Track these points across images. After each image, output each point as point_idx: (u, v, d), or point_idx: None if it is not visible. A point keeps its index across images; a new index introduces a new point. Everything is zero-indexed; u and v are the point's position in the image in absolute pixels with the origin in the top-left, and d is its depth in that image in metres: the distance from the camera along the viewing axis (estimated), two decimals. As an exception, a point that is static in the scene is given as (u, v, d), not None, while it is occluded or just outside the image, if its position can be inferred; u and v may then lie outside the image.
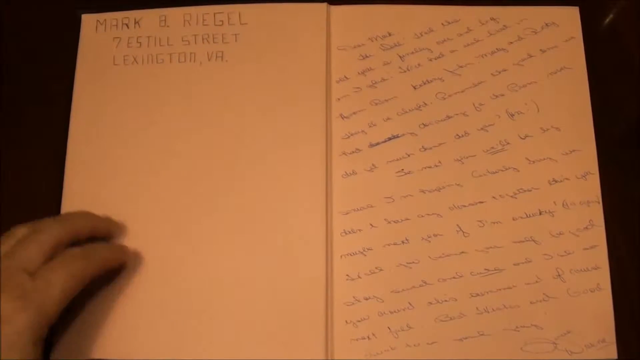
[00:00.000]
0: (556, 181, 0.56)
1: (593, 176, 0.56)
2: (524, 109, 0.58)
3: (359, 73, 0.59)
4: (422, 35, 0.60)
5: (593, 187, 0.56)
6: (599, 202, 0.56)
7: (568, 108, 0.58)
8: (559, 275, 0.54)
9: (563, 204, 0.55)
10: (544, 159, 0.57)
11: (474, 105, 0.58)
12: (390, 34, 0.60)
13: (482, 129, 0.58)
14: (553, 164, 0.56)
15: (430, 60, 0.59)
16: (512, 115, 0.58)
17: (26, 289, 0.45)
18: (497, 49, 0.60)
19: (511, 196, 0.56)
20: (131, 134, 0.58)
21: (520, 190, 0.56)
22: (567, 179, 0.56)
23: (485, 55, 0.59)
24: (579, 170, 0.56)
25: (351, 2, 0.61)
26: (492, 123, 0.58)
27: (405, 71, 0.59)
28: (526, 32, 0.60)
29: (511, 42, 0.60)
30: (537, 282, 0.54)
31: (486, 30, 0.60)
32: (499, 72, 0.59)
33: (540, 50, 0.59)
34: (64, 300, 0.47)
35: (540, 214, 0.55)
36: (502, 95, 0.58)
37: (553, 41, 0.59)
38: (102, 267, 0.51)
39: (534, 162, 0.57)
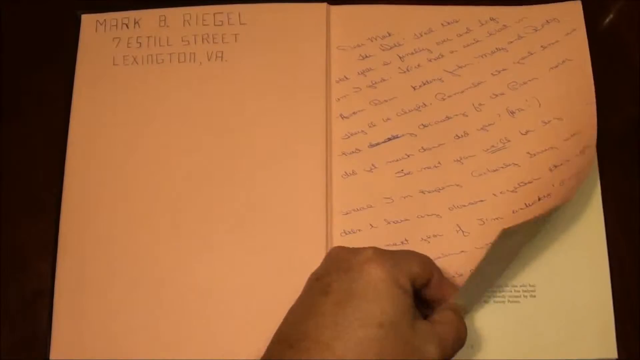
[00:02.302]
0: (556, 166, 0.55)
1: (593, 176, 0.56)
2: (524, 105, 0.58)
3: (358, 73, 0.59)
4: (421, 35, 0.60)
5: (593, 187, 0.56)
6: (599, 202, 0.56)
7: (571, 98, 0.57)
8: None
9: (561, 183, 0.54)
10: (546, 149, 0.56)
11: (473, 105, 0.58)
12: (390, 34, 0.60)
13: (482, 128, 0.57)
14: (554, 151, 0.56)
15: (430, 60, 0.59)
16: (513, 112, 0.57)
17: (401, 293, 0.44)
18: (496, 48, 0.59)
19: (511, 191, 0.56)
20: (131, 134, 0.58)
21: (521, 184, 0.56)
22: (567, 160, 0.55)
23: (485, 55, 0.59)
24: (579, 148, 0.55)
25: (351, 2, 0.61)
26: (493, 122, 0.58)
27: (404, 72, 0.59)
28: (527, 30, 0.59)
29: (511, 42, 0.59)
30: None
31: (486, 30, 0.60)
32: (499, 72, 0.59)
33: (541, 46, 0.59)
34: None
35: (539, 199, 0.55)
36: (503, 94, 0.58)
37: (554, 36, 0.59)
38: None
39: (535, 154, 0.56)
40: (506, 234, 0.43)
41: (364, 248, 0.46)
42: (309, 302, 0.44)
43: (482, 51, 0.59)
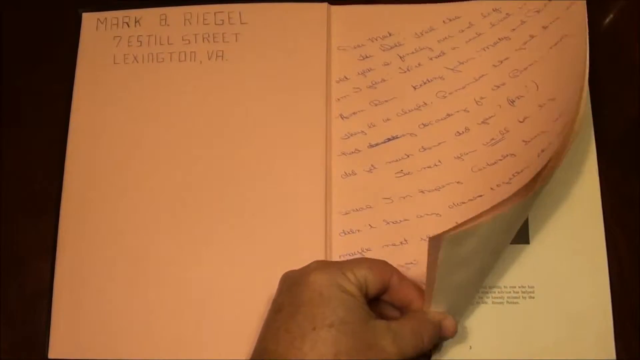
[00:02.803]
0: (543, 150, 0.53)
1: (593, 176, 0.56)
2: (524, 91, 0.57)
3: (359, 73, 0.59)
4: (422, 34, 0.60)
5: (593, 187, 0.56)
6: (598, 202, 0.55)
7: (566, 76, 0.55)
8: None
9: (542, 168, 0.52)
10: (538, 134, 0.55)
11: (474, 100, 0.58)
12: (390, 34, 0.60)
13: (482, 122, 0.57)
14: (544, 135, 0.54)
15: (431, 59, 0.59)
16: (513, 101, 0.57)
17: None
18: (499, 38, 0.59)
19: (507, 183, 0.55)
20: (131, 133, 0.58)
21: (515, 174, 0.55)
22: (550, 143, 0.53)
23: (487, 47, 0.59)
24: (560, 128, 0.52)
25: (352, 2, 0.61)
26: (493, 114, 0.57)
27: (405, 71, 0.59)
28: (529, 13, 0.59)
29: (514, 29, 0.59)
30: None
31: (488, 22, 0.59)
32: (501, 62, 0.58)
33: (542, 27, 0.58)
34: None
35: None
36: (504, 84, 0.58)
37: (555, 13, 0.58)
38: None
39: (529, 141, 0.55)
40: (451, 240, 0.42)
41: (310, 263, 0.47)
42: (266, 322, 0.46)
43: (484, 44, 0.59)
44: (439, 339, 0.48)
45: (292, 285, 0.45)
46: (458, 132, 0.57)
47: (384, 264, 0.48)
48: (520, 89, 0.57)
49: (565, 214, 0.55)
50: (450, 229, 0.42)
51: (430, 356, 0.51)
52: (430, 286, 0.46)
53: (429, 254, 0.44)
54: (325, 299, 0.43)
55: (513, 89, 0.57)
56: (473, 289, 0.52)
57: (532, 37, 0.58)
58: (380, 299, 0.48)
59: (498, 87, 0.58)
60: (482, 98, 0.58)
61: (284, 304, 0.45)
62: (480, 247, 0.46)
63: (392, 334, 0.44)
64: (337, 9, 0.61)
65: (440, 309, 0.48)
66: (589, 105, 0.57)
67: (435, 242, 0.43)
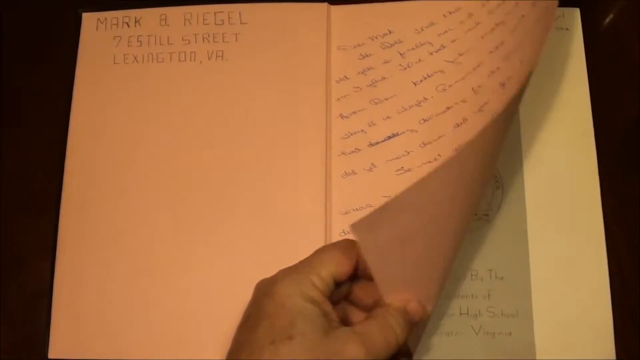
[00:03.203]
0: None
1: (593, 176, 0.56)
2: (512, 72, 0.56)
3: (359, 72, 0.59)
4: (422, 29, 0.60)
5: (593, 187, 0.56)
6: (598, 202, 0.55)
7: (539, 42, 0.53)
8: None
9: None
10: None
11: (472, 89, 0.58)
12: (390, 32, 0.60)
13: (479, 110, 0.57)
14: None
15: (431, 53, 0.59)
16: (504, 84, 0.56)
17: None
18: (495, 24, 0.58)
19: None
20: (131, 133, 0.58)
21: None
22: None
23: (485, 35, 0.59)
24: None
25: (352, 2, 0.61)
26: (487, 101, 0.57)
27: (405, 68, 0.59)
28: None
29: (508, 12, 0.58)
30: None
31: (487, 9, 0.59)
32: (497, 47, 0.58)
33: (532, 5, 0.55)
34: None
35: None
36: (498, 68, 0.57)
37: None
38: None
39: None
40: (363, 226, 0.41)
41: (278, 272, 0.47)
42: (234, 334, 0.46)
43: (482, 31, 0.59)
44: (412, 327, 0.46)
45: (260, 296, 0.45)
46: (457, 123, 0.57)
47: (349, 245, 0.47)
48: (509, 70, 0.56)
49: (565, 214, 0.55)
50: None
51: (412, 354, 0.50)
52: (375, 275, 0.45)
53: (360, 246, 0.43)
54: (286, 310, 0.43)
55: (505, 72, 0.57)
56: (431, 264, 0.47)
57: (523, 16, 0.57)
58: (349, 295, 0.48)
59: (493, 72, 0.57)
60: (479, 87, 0.57)
61: (250, 316, 0.45)
62: (416, 222, 0.43)
63: (358, 336, 0.44)
64: (337, 9, 0.61)
65: (401, 294, 0.46)
66: (589, 105, 0.57)
67: (354, 232, 0.41)
